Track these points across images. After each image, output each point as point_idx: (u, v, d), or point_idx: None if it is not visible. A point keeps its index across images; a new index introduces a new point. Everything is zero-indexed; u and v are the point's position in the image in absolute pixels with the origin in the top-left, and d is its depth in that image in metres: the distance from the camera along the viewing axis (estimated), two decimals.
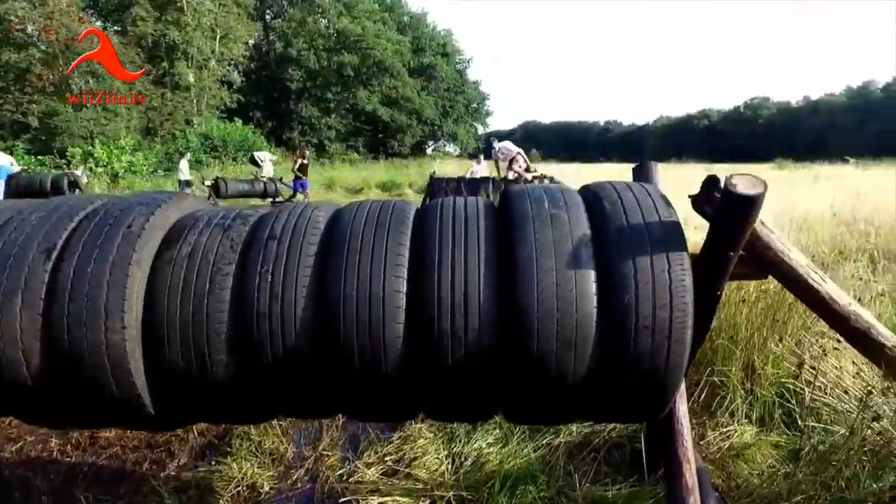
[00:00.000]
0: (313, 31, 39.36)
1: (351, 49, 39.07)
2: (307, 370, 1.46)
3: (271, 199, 15.72)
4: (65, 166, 19.57)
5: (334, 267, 1.43)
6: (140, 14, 27.08)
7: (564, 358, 1.36)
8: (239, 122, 31.15)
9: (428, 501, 2.19)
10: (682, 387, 1.69)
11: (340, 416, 2.72)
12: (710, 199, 1.49)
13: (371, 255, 1.43)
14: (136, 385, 1.44)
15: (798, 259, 1.61)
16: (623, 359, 1.37)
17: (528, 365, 1.38)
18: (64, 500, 2.27)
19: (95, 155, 21.52)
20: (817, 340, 2.67)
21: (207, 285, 1.46)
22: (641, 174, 1.86)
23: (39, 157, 21.61)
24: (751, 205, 1.36)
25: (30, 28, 22.17)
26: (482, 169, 12.27)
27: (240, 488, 2.34)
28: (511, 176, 10.67)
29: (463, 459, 2.45)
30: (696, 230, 2.44)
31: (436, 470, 2.39)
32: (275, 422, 2.73)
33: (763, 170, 27.49)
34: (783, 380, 2.63)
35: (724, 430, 2.54)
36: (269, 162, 16.30)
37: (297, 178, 14.97)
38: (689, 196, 1.60)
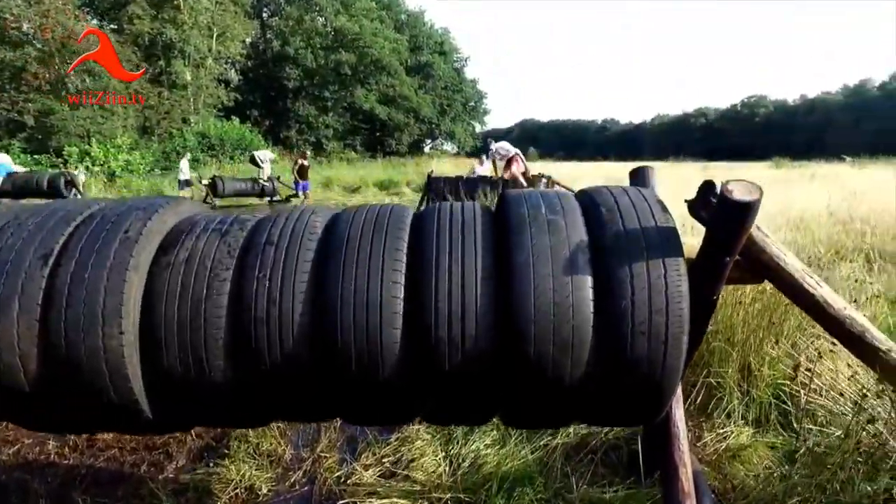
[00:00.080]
0: (310, 30, 39.27)
1: (348, 47, 39.00)
2: (305, 375, 1.46)
3: (269, 199, 15.71)
4: (61, 165, 19.51)
5: (332, 273, 1.43)
6: (136, 12, 26.95)
7: (561, 362, 1.37)
8: (236, 120, 31.10)
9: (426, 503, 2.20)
10: (679, 391, 1.70)
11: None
12: (707, 204, 1.50)
13: (368, 260, 1.43)
14: (134, 390, 1.44)
15: (793, 264, 1.61)
16: (620, 363, 1.37)
17: (525, 369, 1.38)
18: (62, 503, 2.27)
19: (92, 154, 21.47)
20: (813, 342, 2.69)
21: (205, 290, 1.46)
22: (638, 178, 1.86)
23: (36, 156, 21.54)
24: (747, 211, 1.36)
25: (25, 26, 22.06)
26: (485, 169, 12.25)
27: (238, 490, 2.35)
28: (507, 176, 10.65)
29: (461, 461, 2.46)
30: (692, 231, 2.45)
31: (433, 472, 2.40)
32: (273, 423, 2.73)
33: (760, 168, 27.57)
34: (779, 381, 2.65)
35: (721, 431, 2.55)
36: (268, 162, 16.26)
37: (297, 180, 14.91)
38: (686, 201, 1.61)
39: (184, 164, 16.42)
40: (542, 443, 2.54)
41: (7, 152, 17.03)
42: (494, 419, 1.78)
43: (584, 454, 2.47)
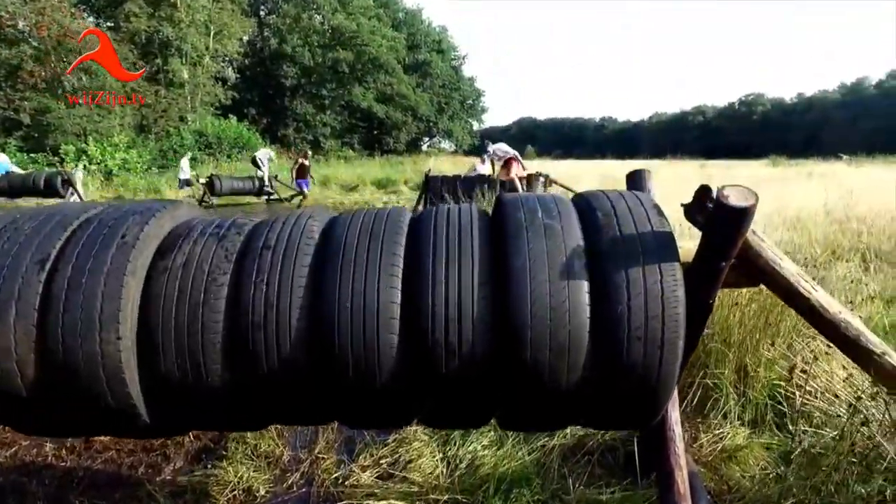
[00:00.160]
0: (308, 28, 39.17)
1: (346, 45, 38.92)
2: (302, 380, 1.47)
3: (266, 197, 15.66)
4: (58, 164, 19.41)
5: (329, 278, 1.44)
6: (133, 10, 26.83)
7: (557, 367, 1.38)
8: (233, 118, 31.00)
9: None
10: (675, 394, 1.70)
11: None
12: (703, 208, 1.51)
13: (365, 265, 1.44)
14: (132, 395, 1.45)
15: (789, 268, 1.62)
16: (615, 368, 1.38)
17: (521, 374, 1.39)
18: None
19: (89, 152, 21.38)
20: (808, 344, 2.70)
21: (203, 295, 1.47)
22: (635, 181, 1.87)
23: (32, 155, 21.44)
24: (743, 216, 1.37)
25: (21, 24, 21.95)
26: (486, 168, 12.20)
27: (235, 492, 2.35)
28: (504, 178, 10.58)
29: (458, 462, 2.46)
30: (689, 234, 2.45)
31: (431, 473, 2.40)
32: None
33: (757, 166, 27.65)
34: (775, 382, 2.66)
35: (717, 432, 2.56)
36: (267, 162, 16.20)
37: (293, 177, 14.83)
38: (682, 205, 1.61)
39: (184, 163, 16.35)
40: (539, 444, 2.55)
41: (3, 151, 16.94)
42: (492, 421, 1.79)
43: (580, 455, 2.47)
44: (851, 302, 2.90)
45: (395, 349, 1.40)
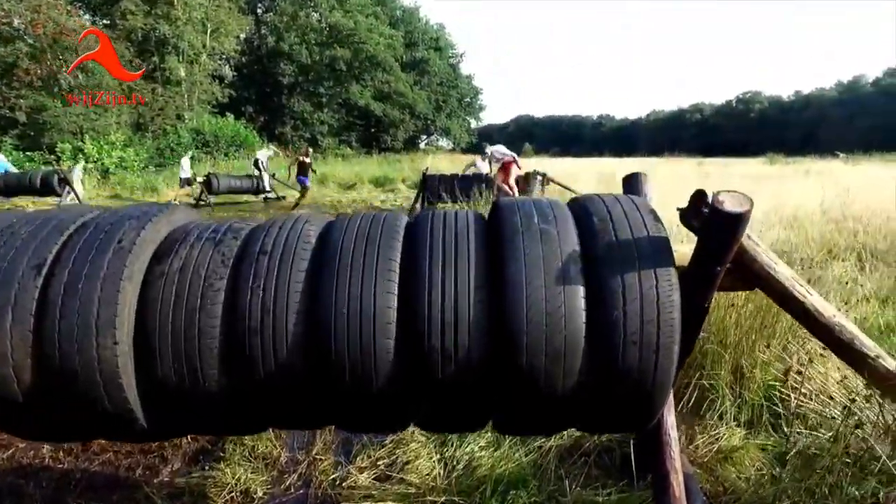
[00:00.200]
0: (305, 26, 39.06)
1: (343, 43, 38.83)
2: (299, 385, 1.47)
3: (264, 196, 15.60)
4: (54, 162, 19.34)
5: (325, 282, 1.44)
6: (129, 7, 26.69)
7: (553, 372, 1.38)
8: (231, 116, 30.89)
9: None
10: (671, 398, 1.71)
11: None
12: (698, 213, 1.51)
13: (362, 270, 1.44)
14: (129, 400, 1.45)
15: (784, 272, 1.63)
16: (611, 372, 1.39)
17: (517, 379, 1.40)
18: None
19: (85, 151, 21.28)
20: (803, 346, 2.71)
21: (199, 300, 1.47)
22: (631, 185, 1.87)
23: (28, 153, 21.34)
24: (738, 222, 1.38)
25: (16, 21, 21.81)
26: (486, 165, 12.18)
27: (233, 494, 2.35)
28: (500, 181, 10.51)
29: (455, 463, 2.47)
30: (686, 238, 2.46)
31: (428, 474, 2.41)
32: None
33: (754, 164, 27.69)
34: (770, 383, 2.67)
35: (713, 432, 2.57)
36: (267, 162, 16.10)
37: (297, 173, 14.66)
38: (678, 209, 1.62)
39: (185, 161, 16.24)
40: (535, 445, 2.55)
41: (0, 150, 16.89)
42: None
43: (577, 456, 2.49)
44: (847, 302, 2.91)
45: (391, 354, 1.41)
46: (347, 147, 41.14)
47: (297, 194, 14.81)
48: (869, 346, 1.68)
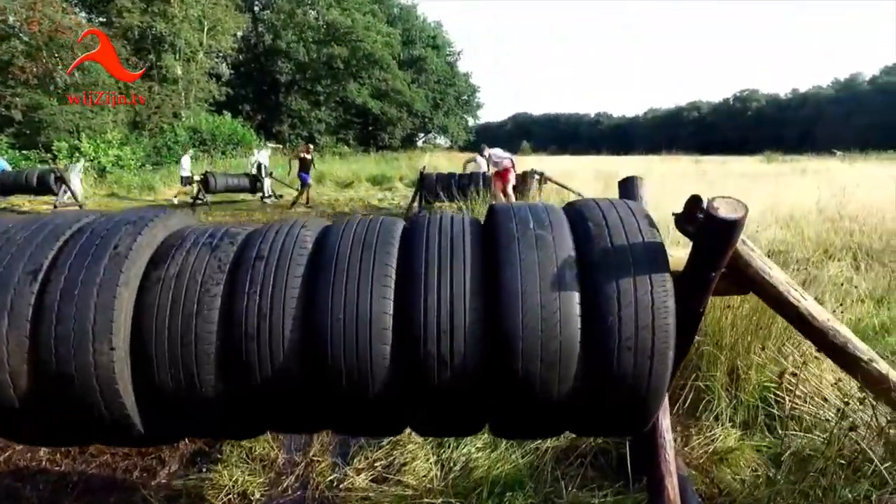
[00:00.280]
0: (302, 23, 38.95)
1: (340, 41, 38.73)
2: (295, 390, 1.47)
3: (262, 196, 15.55)
4: (50, 161, 19.26)
5: (322, 288, 1.44)
6: (125, 5, 26.52)
7: (549, 377, 1.39)
8: (228, 115, 30.79)
9: None
10: (665, 402, 1.72)
11: None
12: (693, 219, 1.52)
13: (358, 276, 1.45)
14: (126, 405, 1.45)
15: (778, 277, 1.64)
16: (606, 378, 1.40)
17: (513, 384, 1.40)
18: None
19: (82, 149, 21.19)
20: (798, 347, 2.73)
21: (195, 306, 1.47)
22: (626, 189, 1.88)
23: (24, 152, 21.24)
24: (732, 228, 1.39)
25: (11, 19, 21.68)
26: (485, 163, 12.16)
27: (230, 496, 2.36)
28: (497, 186, 10.43)
29: (452, 465, 2.48)
30: (681, 243, 2.46)
31: (425, 476, 2.42)
32: None
33: (751, 162, 27.78)
34: (766, 385, 2.69)
35: (709, 433, 2.59)
36: (266, 160, 16.05)
37: (299, 170, 14.58)
38: (673, 214, 1.63)
39: (185, 160, 16.17)
40: (532, 447, 2.56)
41: None
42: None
43: (573, 458, 2.49)
44: (842, 303, 2.93)
45: (387, 359, 1.41)
46: (345, 145, 41.10)
47: (295, 193, 14.77)
48: (862, 349, 1.69)
